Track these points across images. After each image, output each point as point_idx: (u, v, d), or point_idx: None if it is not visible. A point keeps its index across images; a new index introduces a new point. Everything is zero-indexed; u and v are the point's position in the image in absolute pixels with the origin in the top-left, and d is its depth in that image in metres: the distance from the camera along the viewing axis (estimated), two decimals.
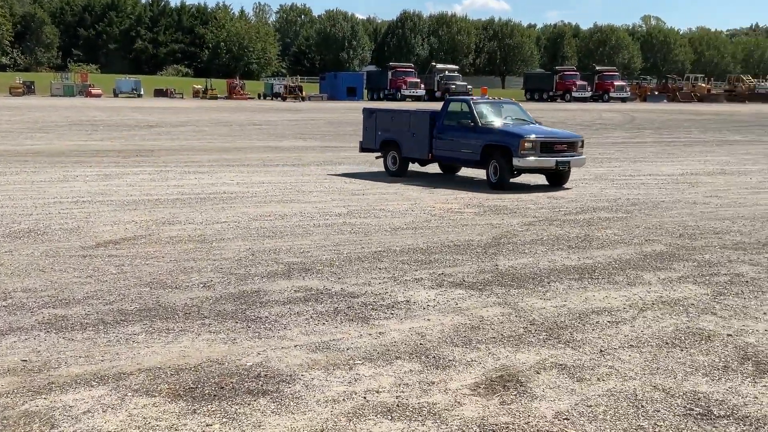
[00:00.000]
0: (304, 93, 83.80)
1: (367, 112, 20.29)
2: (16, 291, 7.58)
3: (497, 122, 17.02)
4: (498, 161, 16.26)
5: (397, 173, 18.54)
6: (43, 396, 5.06)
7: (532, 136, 15.93)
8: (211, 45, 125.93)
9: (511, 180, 16.59)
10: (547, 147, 16.12)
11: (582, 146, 16.94)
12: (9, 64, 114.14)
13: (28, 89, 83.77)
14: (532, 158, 15.76)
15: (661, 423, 4.81)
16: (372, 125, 19.63)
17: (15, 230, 10.78)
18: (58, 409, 4.85)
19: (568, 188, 16.62)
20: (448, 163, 18.67)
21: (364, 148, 20.09)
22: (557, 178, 16.80)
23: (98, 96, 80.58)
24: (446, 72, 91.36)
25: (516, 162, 15.79)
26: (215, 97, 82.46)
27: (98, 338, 6.22)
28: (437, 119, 17.82)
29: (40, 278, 8.11)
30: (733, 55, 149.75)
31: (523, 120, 17.47)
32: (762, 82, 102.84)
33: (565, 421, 4.82)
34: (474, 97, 19.60)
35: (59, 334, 6.30)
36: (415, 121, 18.54)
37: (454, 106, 18.23)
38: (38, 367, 5.56)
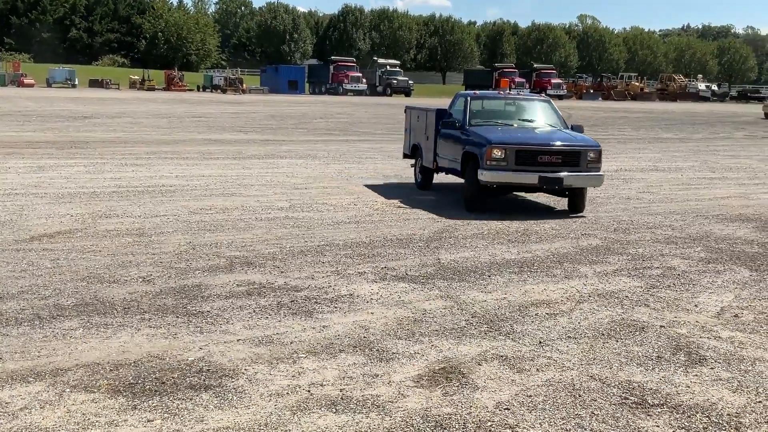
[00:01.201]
0: (244, 86, 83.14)
1: (407, 111, 17.53)
2: None
3: (491, 123, 13.71)
4: (468, 174, 12.86)
5: (420, 185, 15.71)
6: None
7: (506, 142, 12.33)
8: (148, 35, 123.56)
9: (495, 197, 13.45)
10: (526, 157, 12.18)
11: (597, 159, 12.61)
12: None
13: None
14: (501, 172, 12.13)
15: (598, 412, 4.92)
16: (407, 126, 17.21)
17: None
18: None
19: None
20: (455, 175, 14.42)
21: (405, 155, 17.38)
22: (572, 202, 13.13)
23: (31, 86, 78.58)
24: (387, 67, 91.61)
25: (481, 175, 12.24)
26: (153, 89, 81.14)
27: (34, 333, 6.10)
28: (442, 118, 14.60)
29: None
30: (666, 55, 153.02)
31: (547, 124, 13.82)
32: (693, 81, 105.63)
33: (506, 411, 4.90)
34: (478, 92, 15.74)
35: None
36: (428, 120, 15.43)
37: (459, 103, 14.64)
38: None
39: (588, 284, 8.18)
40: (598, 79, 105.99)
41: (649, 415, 4.91)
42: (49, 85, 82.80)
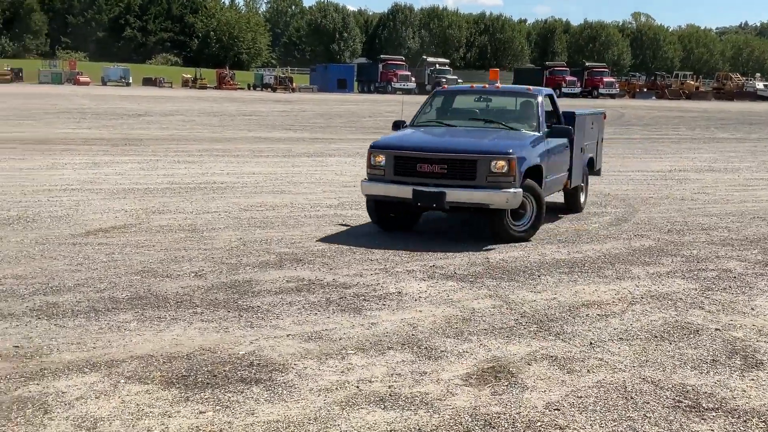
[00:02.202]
0: (294, 84, 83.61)
1: None
2: (6, 278, 7.59)
3: (432, 124, 11.62)
4: None
5: None
6: (36, 382, 5.06)
7: (388, 146, 10.28)
8: (200, 34, 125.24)
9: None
10: (405, 166, 9.83)
11: (507, 172, 9.40)
12: None
13: (16, 76, 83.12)
14: (379, 183, 10.03)
15: (650, 415, 4.86)
16: None
17: (4, 217, 10.75)
18: (51, 394, 4.86)
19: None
20: None
21: None
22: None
23: (86, 84, 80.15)
24: (437, 65, 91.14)
25: (362, 187, 10.35)
26: (204, 87, 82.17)
27: (90, 325, 6.24)
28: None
29: (30, 265, 8.11)
30: (722, 53, 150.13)
31: (516, 124, 11.14)
32: (750, 80, 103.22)
33: (556, 411, 4.86)
34: (448, 87, 13.38)
35: (51, 321, 6.31)
36: None
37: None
38: (30, 354, 5.57)
39: (640, 285, 8.07)
40: (652, 78, 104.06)
41: (703, 419, 4.83)
42: (103, 83, 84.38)
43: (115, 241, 9.45)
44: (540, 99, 11.41)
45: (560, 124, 11.58)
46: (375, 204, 10.37)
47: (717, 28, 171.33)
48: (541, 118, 11.00)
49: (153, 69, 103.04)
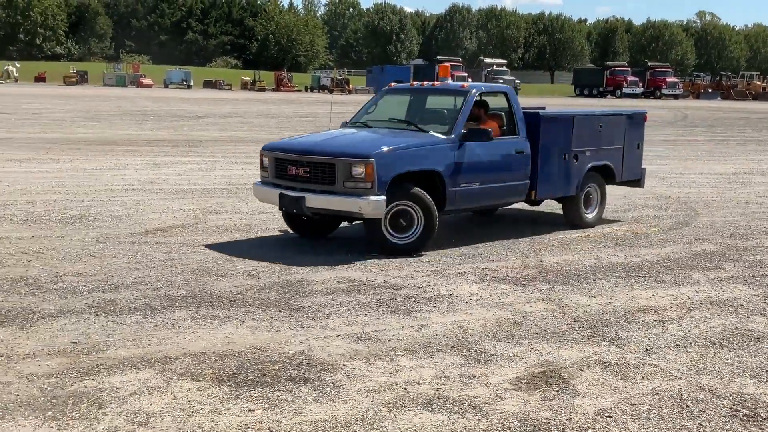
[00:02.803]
0: (350, 86, 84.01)
1: None
2: (67, 275, 7.77)
3: (359, 125, 10.79)
4: None
5: None
6: (92, 377, 5.17)
7: (273, 148, 9.88)
8: (260, 37, 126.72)
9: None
10: (281, 168, 9.46)
11: (366, 178, 8.59)
12: (63, 54, 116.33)
13: (82, 79, 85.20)
14: (263, 187, 9.79)
15: (707, 424, 4.75)
16: None
17: (67, 216, 11.01)
18: (106, 390, 4.96)
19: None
20: None
21: None
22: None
23: (149, 86, 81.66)
24: (494, 66, 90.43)
25: (253, 190, 10.37)
26: (263, 89, 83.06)
27: (145, 323, 6.35)
28: None
29: (90, 263, 8.30)
30: None
31: (435, 122, 10.20)
32: None
33: (608, 418, 4.79)
34: (394, 85, 12.62)
35: (108, 318, 6.43)
36: None
37: None
38: (87, 349, 5.68)
39: (700, 291, 7.90)
40: (717, 78, 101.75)
41: (761, 429, 4.71)
42: (165, 85, 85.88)
43: (172, 240, 9.61)
44: (467, 98, 10.01)
45: (514, 125, 10.36)
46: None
47: None
48: (458, 120, 9.70)
49: (213, 72, 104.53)
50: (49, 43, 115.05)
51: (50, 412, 4.66)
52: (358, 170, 8.56)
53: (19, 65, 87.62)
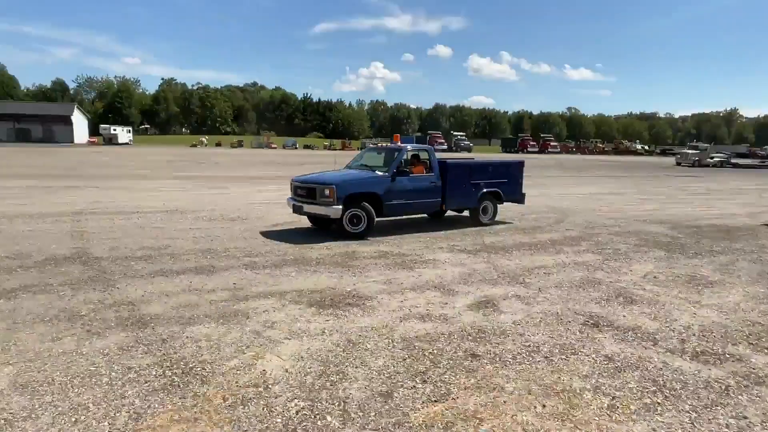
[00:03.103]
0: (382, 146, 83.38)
1: None
2: (230, 248, 7.77)
3: (347, 167, 10.30)
4: None
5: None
6: (243, 302, 5.22)
7: (293, 179, 9.54)
8: (333, 121, 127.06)
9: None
10: (295, 190, 9.36)
11: (329, 195, 8.43)
12: (230, 131, 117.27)
13: (239, 144, 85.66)
14: (289, 200, 9.53)
15: (572, 328, 4.70)
16: None
17: (231, 217, 11.05)
18: (250, 309, 5.00)
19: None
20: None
21: None
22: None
23: (275, 149, 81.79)
24: (458, 136, 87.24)
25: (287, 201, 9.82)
26: (335, 149, 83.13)
27: (272, 273, 6.36)
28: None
29: (242, 242, 8.29)
30: (618, 129, 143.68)
31: (379, 166, 9.53)
32: (633, 143, 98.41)
33: (518, 325, 4.75)
34: (371, 145, 10.05)
35: (251, 271, 6.45)
36: None
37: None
38: (240, 287, 5.72)
39: (568, 257, 7.76)
40: (578, 143, 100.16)
41: (600, 331, 4.64)
42: (284, 147, 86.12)
43: (285, 230, 9.60)
44: (400, 153, 9.38)
45: (431, 170, 9.62)
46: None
47: (615, 115, 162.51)
48: (392, 165, 9.11)
49: (308, 140, 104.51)
50: (222, 126, 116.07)
51: (221, 320, 4.71)
52: (326, 192, 8.39)
53: (207, 138, 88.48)
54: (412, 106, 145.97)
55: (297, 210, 8.89)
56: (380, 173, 9.08)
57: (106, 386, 3.62)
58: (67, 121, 68.88)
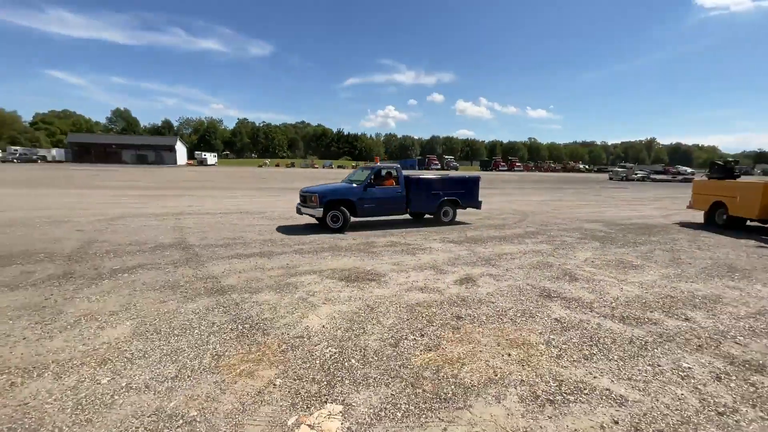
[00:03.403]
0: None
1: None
2: (284, 239, 7.63)
3: (342, 180, 9.85)
4: None
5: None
6: (293, 277, 5.21)
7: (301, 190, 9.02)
8: (358, 148, 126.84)
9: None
10: (300, 197, 8.98)
11: (314, 200, 8.33)
12: (285, 156, 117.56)
13: (292, 165, 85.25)
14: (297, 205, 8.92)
15: (530, 298, 4.60)
16: None
17: (283, 217, 10.67)
18: (298, 283, 4.99)
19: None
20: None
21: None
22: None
23: (316, 168, 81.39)
24: (449, 159, 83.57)
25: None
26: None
27: (313, 257, 6.28)
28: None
29: (293, 235, 8.08)
30: (566, 153, 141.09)
31: (359, 180, 9.15)
32: (577, 164, 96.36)
33: (490, 295, 4.67)
34: (362, 165, 9.16)
35: (300, 255, 6.38)
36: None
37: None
38: (291, 267, 5.68)
39: (528, 247, 7.58)
40: (536, 163, 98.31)
41: (552, 301, 4.54)
42: (323, 167, 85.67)
43: (297, 223, 9.09)
44: (372, 171, 9.08)
45: (398, 181, 9.13)
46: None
47: (564, 143, 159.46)
48: (366, 179, 8.84)
49: (340, 161, 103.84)
50: (280, 152, 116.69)
51: (277, 290, 4.73)
52: (313, 198, 8.27)
53: (269, 161, 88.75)
54: (415, 137, 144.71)
55: (298, 210, 8.63)
56: (356, 186, 8.81)
57: (197, 335, 3.68)
58: (171, 149, 70.28)
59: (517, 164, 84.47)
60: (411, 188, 9.34)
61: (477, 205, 10.26)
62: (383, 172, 9.27)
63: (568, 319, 4.15)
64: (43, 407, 2.77)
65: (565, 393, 3.04)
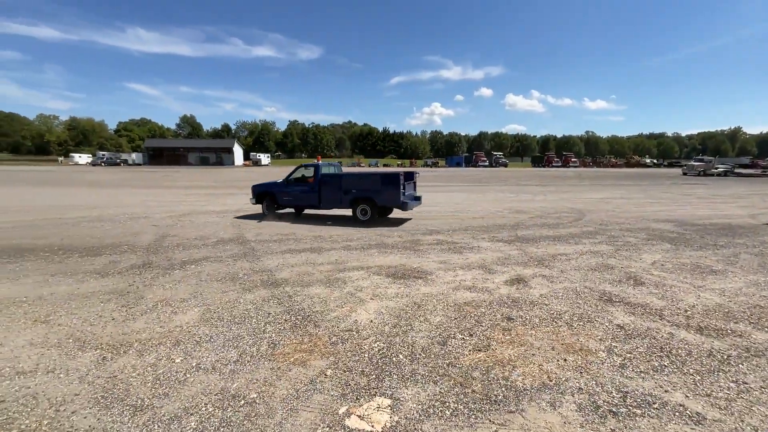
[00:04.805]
0: (439, 164, 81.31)
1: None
2: (333, 236, 7.64)
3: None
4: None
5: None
6: (342, 272, 5.35)
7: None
8: (404, 147, 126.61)
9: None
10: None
11: (252, 193, 9.27)
12: (333, 155, 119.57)
13: (340, 164, 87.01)
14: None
15: (589, 302, 4.32)
16: None
17: (330, 214, 10.80)
18: (346, 278, 5.11)
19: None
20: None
21: None
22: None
23: (362, 167, 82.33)
24: (497, 155, 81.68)
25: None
26: (404, 166, 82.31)
27: (360, 253, 6.42)
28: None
29: (341, 232, 8.21)
30: (628, 147, 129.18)
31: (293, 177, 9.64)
32: (643, 158, 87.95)
33: (544, 297, 4.46)
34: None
35: (347, 252, 6.53)
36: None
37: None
38: (340, 262, 5.84)
39: (585, 247, 7.12)
40: (594, 158, 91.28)
41: (613, 305, 4.22)
42: (368, 166, 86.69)
43: (345, 219, 9.17)
44: (297, 169, 9.59)
45: (316, 179, 9.23)
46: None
47: (627, 136, 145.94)
48: (289, 176, 9.59)
49: (386, 160, 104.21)
50: (328, 151, 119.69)
51: (327, 284, 4.89)
52: (251, 191, 9.93)
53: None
54: (462, 133, 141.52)
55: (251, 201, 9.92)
56: (279, 182, 9.86)
57: (254, 324, 3.93)
58: (230, 151, 75.60)
59: (573, 159, 79.25)
60: (321, 186, 9.26)
61: (399, 204, 8.75)
62: (303, 172, 9.70)
63: (633, 326, 3.83)
64: (128, 380, 3.15)
65: (631, 405, 2.81)
